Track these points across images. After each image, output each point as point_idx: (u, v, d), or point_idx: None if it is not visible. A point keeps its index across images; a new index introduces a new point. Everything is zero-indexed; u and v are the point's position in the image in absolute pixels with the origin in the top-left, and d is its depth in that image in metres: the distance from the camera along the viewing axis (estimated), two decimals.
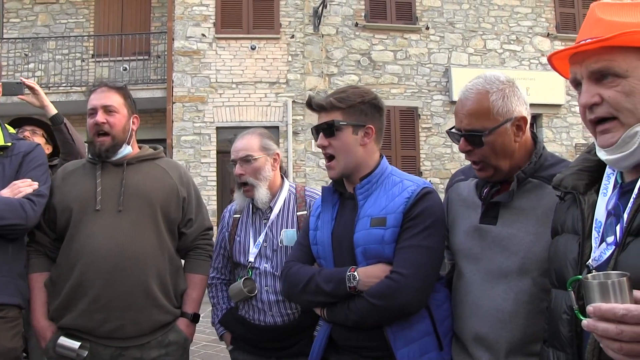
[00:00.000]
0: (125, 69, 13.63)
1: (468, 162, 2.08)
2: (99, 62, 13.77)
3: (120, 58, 13.68)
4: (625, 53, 1.34)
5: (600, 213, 1.44)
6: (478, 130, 1.89)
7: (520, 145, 1.94)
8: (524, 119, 1.92)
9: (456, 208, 2.13)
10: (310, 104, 2.26)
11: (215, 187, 12.38)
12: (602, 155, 1.42)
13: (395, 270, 2.02)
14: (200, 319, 2.84)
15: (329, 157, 2.23)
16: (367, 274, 2.06)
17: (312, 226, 2.34)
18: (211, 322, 2.93)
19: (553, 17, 14.71)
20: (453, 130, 2.00)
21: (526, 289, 1.81)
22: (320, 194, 2.88)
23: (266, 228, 2.78)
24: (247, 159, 2.78)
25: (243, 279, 2.72)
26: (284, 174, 2.97)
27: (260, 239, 2.76)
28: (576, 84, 1.44)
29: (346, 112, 2.18)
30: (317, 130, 2.24)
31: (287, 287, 2.30)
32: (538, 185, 1.88)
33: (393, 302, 1.98)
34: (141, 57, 13.72)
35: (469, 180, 2.13)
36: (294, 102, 12.86)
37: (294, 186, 2.94)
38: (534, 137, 2.00)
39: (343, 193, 2.29)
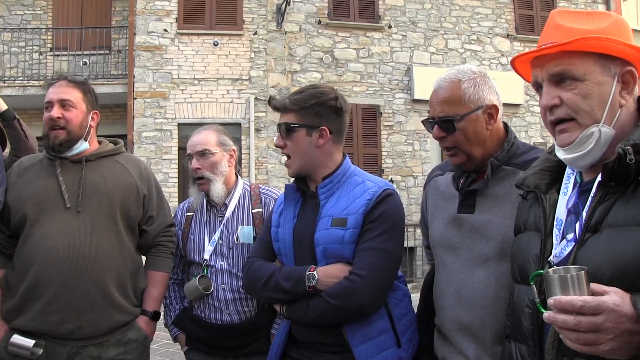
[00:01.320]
0: (85, 64, 13.30)
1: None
2: (57, 55, 13.38)
3: (80, 52, 13.32)
4: (583, 58, 1.41)
5: (561, 211, 1.50)
6: (450, 116, 1.96)
7: (492, 133, 2.00)
8: (495, 107, 1.99)
9: (435, 202, 2.18)
10: (270, 104, 2.31)
11: (176, 184, 12.24)
12: (560, 154, 1.49)
13: (353, 272, 2.05)
14: (162, 316, 2.82)
15: (287, 156, 2.27)
16: (326, 274, 2.09)
17: (274, 223, 2.36)
18: (164, 323, 2.91)
19: (513, 18, 14.98)
20: (427, 119, 2.05)
21: (506, 273, 1.83)
22: (275, 192, 2.90)
23: (221, 225, 2.77)
24: (204, 153, 2.77)
25: (198, 276, 2.71)
26: (238, 171, 2.96)
27: (216, 236, 2.76)
28: (537, 86, 1.50)
29: (300, 114, 2.21)
30: (277, 129, 2.29)
31: (247, 283, 2.32)
32: (512, 172, 1.93)
33: (350, 302, 2.02)
34: (102, 52, 13.42)
35: (446, 174, 2.17)
36: (256, 99, 12.80)
37: (248, 184, 2.94)
38: (506, 127, 2.07)
39: (305, 191, 2.31)
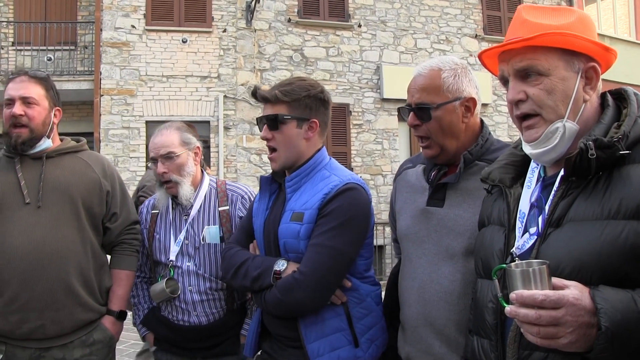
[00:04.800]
0: (49, 59, 13.01)
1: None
2: (20, 50, 13.07)
3: (44, 47, 13.01)
4: (547, 53, 1.42)
5: (524, 204, 1.51)
6: (427, 104, 1.94)
7: (468, 127, 1.99)
8: (473, 100, 1.99)
9: (404, 195, 2.15)
10: (255, 95, 2.24)
11: None
12: (527, 149, 1.50)
13: (298, 268, 2.05)
14: (128, 316, 2.77)
15: (272, 150, 2.23)
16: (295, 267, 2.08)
17: (253, 212, 2.36)
18: (133, 322, 2.86)
19: (481, 19, 15.17)
20: (404, 106, 2.04)
21: (473, 270, 1.81)
22: (242, 188, 2.87)
23: (187, 225, 2.72)
24: (169, 156, 2.70)
25: (165, 279, 2.66)
26: (203, 167, 2.91)
27: (181, 236, 2.70)
28: (504, 81, 1.52)
29: (291, 106, 2.18)
30: (261, 121, 2.23)
31: (223, 269, 2.34)
32: (484, 167, 1.90)
33: (289, 297, 2.01)
34: (67, 47, 13.13)
35: (417, 167, 2.16)
36: (225, 96, 12.72)
37: (215, 180, 2.89)
38: (482, 123, 2.07)
39: (281, 183, 2.29)
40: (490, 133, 2.06)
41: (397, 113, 2.16)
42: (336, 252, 2.04)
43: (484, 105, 14.53)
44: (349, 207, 2.08)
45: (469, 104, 1.98)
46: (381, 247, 12.02)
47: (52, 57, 13.11)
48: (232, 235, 2.52)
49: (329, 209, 2.06)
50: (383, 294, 2.27)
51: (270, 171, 2.35)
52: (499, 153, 1.92)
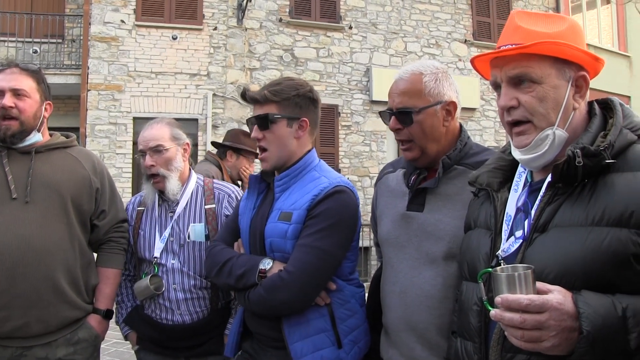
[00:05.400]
0: (35, 52, 12.85)
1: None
2: (4, 41, 12.83)
3: (29, 39, 12.84)
4: (541, 61, 1.44)
5: (511, 208, 1.54)
6: (409, 108, 1.95)
7: (448, 130, 2.01)
8: (454, 104, 2.00)
9: (384, 200, 2.16)
10: (245, 96, 2.25)
11: (130, 179, 12.01)
12: (517, 155, 1.53)
13: (285, 267, 2.04)
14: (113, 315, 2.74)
15: (262, 149, 2.23)
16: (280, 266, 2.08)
17: (240, 210, 2.36)
18: (115, 321, 2.83)
19: (470, 24, 15.26)
20: (385, 110, 2.05)
21: (454, 274, 1.84)
22: (229, 187, 2.87)
23: (172, 222, 2.70)
24: (157, 149, 2.69)
25: (149, 275, 2.63)
26: (191, 165, 2.90)
27: (166, 233, 2.68)
28: (496, 86, 1.53)
29: (281, 105, 2.19)
30: (251, 122, 2.24)
31: (207, 267, 2.34)
32: (463, 171, 1.94)
33: (275, 297, 2.01)
34: (54, 40, 13.01)
35: (397, 171, 2.16)
36: (214, 95, 12.67)
37: (202, 178, 2.87)
38: (461, 127, 2.08)
39: (270, 183, 2.29)
40: (469, 137, 2.08)
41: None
42: (324, 253, 2.05)
43: (472, 109, 14.65)
44: (338, 210, 2.09)
45: (450, 107, 2.00)
46: (367, 249, 12.03)
47: (38, 50, 12.95)
48: (217, 233, 2.52)
49: (318, 211, 2.07)
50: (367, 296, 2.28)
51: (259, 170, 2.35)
52: (478, 157, 1.96)
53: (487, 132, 14.96)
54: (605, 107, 1.54)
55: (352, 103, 13.88)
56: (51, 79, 11.49)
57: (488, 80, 1.60)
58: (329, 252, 2.06)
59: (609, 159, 1.35)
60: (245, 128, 5.24)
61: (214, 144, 4.97)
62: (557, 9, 16.12)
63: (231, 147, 4.70)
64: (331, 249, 2.07)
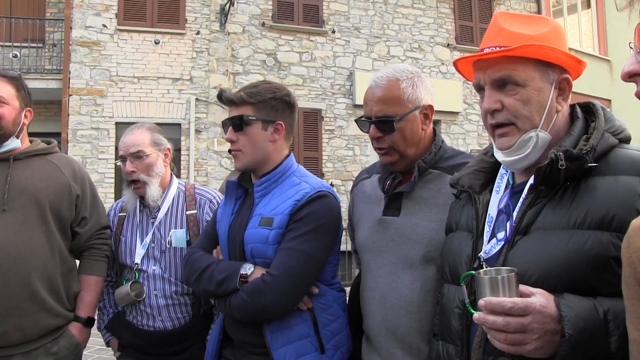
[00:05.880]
0: (15, 56, 12.68)
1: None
2: None
3: (9, 43, 12.68)
4: (525, 64, 1.44)
5: (493, 209, 1.53)
6: (390, 116, 1.93)
7: (426, 134, 2.01)
8: (430, 107, 2.00)
9: (361, 206, 2.15)
10: (221, 98, 2.21)
11: (112, 185, 11.92)
12: (499, 156, 1.52)
13: (268, 271, 2.02)
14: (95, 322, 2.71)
15: (236, 151, 2.19)
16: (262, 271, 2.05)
17: (218, 217, 2.33)
18: (97, 327, 2.80)
19: (453, 28, 15.37)
20: (362, 118, 2.02)
21: (432, 277, 1.84)
22: (211, 192, 2.84)
23: (153, 227, 2.68)
24: (138, 155, 2.67)
25: (130, 282, 2.62)
26: (173, 170, 2.88)
27: (147, 239, 2.67)
28: (479, 88, 1.53)
29: (256, 107, 2.16)
30: (226, 124, 2.21)
31: (185, 273, 2.28)
32: (438, 175, 1.94)
33: (258, 301, 1.98)
34: (34, 45, 12.86)
35: (372, 177, 2.16)
36: (197, 99, 12.63)
37: (184, 184, 2.86)
38: (434, 130, 2.08)
39: (248, 188, 2.26)
40: (443, 140, 2.07)
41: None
42: (308, 257, 2.03)
43: (455, 113, 14.75)
44: (322, 214, 2.07)
45: (427, 111, 2.00)
46: (350, 253, 12.04)
47: (18, 54, 12.80)
48: (196, 240, 2.48)
49: (301, 215, 2.05)
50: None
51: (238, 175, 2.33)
52: (453, 161, 1.97)
53: (470, 136, 15.07)
54: (587, 111, 1.54)
55: (335, 107, 13.91)
56: (32, 84, 11.36)
57: (470, 80, 1.60)
58: (313, 255, 2.04)
59: (591, 163, 1.36)
60: None
61: None
62: (539, 12, 16.30)
63: None
64: (315, 252, 2.05)
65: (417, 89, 1.97)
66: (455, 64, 1.62)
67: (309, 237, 2.03)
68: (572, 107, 1.55)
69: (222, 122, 2.27)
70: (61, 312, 2.46)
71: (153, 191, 2.68)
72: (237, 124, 2.16)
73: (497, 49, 1.45)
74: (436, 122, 14.49)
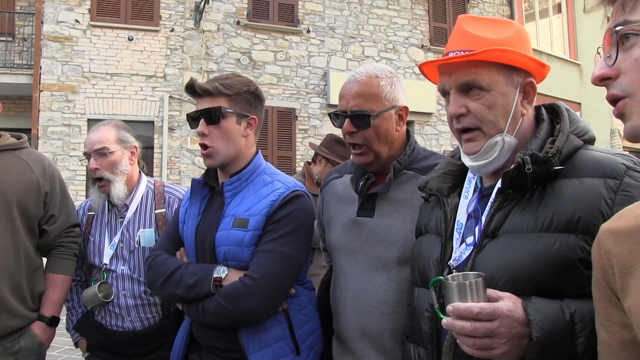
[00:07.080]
0: None
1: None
2: None
3: None
4: (489, 68, 1.44)
5: (462, 215, 1.53)
6: (366, 111, 1.92)
7: (399, 135, 2.00)
8: (405, 109, 2.00)
9: (332, 206, 2.12)
10: (193, 88, 2.08)
11: (84, 182, 11.73)
12: (466, 161, 1.52)
13: (247, 274, 1.95)
14: (62, 320, 2.67)
15: (206, 147, 2.09)
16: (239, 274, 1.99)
17: (181, 218, 2.24)
18: (65, 327, 2.77)
19: (427, 30, 15.50)
20: (337, 112, 1.99)
21: (406, 278, 1.83)
22: (180, 190, 2.77)
23: (122, 227, 2.65)
24: (102, 152, 2.64)
25: (98, 283, 2.58)
26: (142, 168, 2.83)
27: (116, 239, 2.63)
28: (444, 92, 1.53)
29: (232, 100, 2.08)
30: (195, 116, 2.09)
31: (149, 277, 2.16)
32: (412, 176, 1.93)
33: (240, 305, 1.92)
34: (3, 39, 12.59)
35: (344, 177, 2.14)
36: (170, 97, 12.52)
37: (152, 182, 2.81)
38: (408, 132, 2.07)
39: (214, 187, 2.19)
40: (416, 142, 2.07)
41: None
42: (289, 259, 1.99)
43: (429, 114, 14.87)
44: (299, 214, 2.03)
45: (402, 112, 2.00)
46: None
47: None
48: (157, 242, 2.39)
49: (279, 216, 2.00)
50: None
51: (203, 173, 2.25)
52: (426, 162, 1.96)
53: (443, 137, 15.21)
54: (552, 112, 1.55)
55: (309, 107, 13.91)
56: (1, 79, 11.20)
57: (436, 84, 1.59)
58: (293, 257, 2.00)
59: (557, 166, 1.37)
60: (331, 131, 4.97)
61: (311, 145, 4.97)
62: (511, 16, 16.52)
63: (320, 153, 4.64)
64: (295, 253, 2.01)
65: (395, 89, 1.97)
66: (420, 67, 1.62)
67: (289, 239, 1.99)
68: (538, 108, 1.56)
69: (190, 114, 2.14)
70: (24, 313, 2.41)
71: (118, 189, 2.64)
72: (211, 117, 2.06)
73: (462, 53, 1.45)
74: (410, 123, 14.59)
